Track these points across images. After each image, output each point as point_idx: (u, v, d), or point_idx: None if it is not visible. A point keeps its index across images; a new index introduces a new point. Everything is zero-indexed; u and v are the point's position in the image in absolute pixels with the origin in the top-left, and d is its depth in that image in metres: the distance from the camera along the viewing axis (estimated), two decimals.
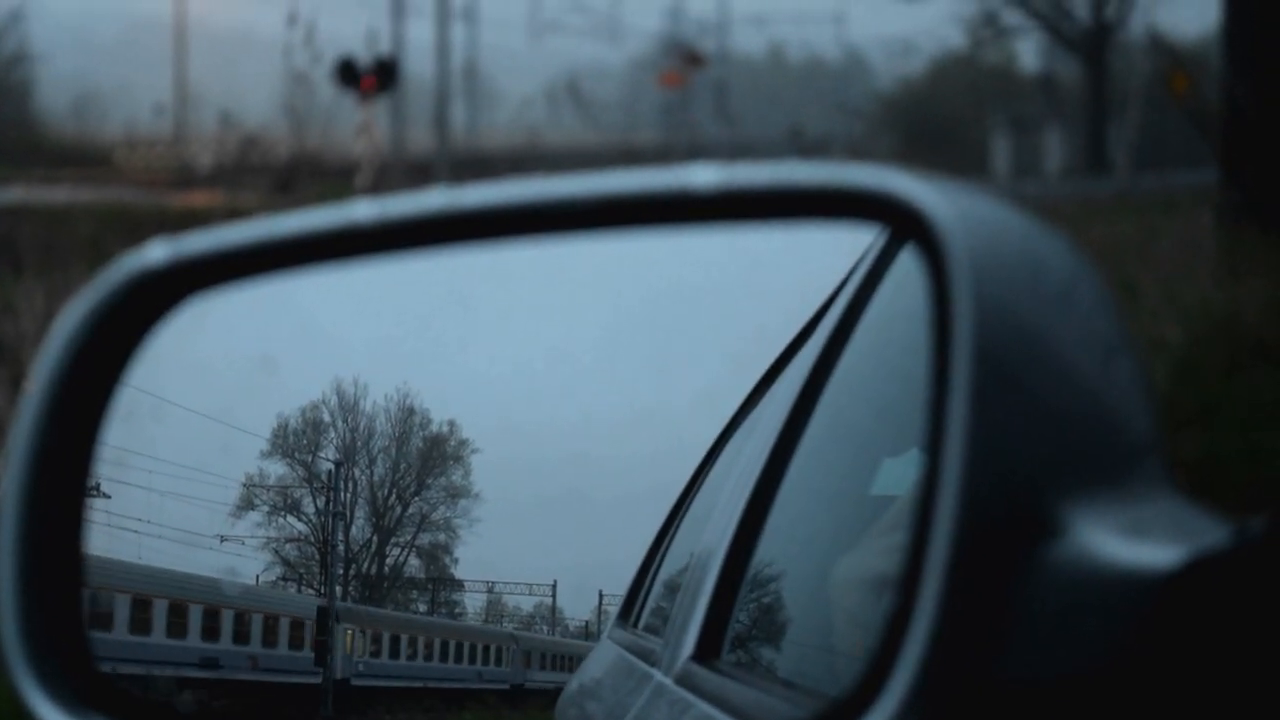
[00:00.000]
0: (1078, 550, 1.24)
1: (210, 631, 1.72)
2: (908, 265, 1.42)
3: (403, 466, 1.66)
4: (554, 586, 1.61)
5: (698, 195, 1.52)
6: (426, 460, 1.65)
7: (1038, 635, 1.22)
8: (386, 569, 1.67)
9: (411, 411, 1.66)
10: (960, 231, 1.36)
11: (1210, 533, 1.23)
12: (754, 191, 1.50)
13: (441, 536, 1.63)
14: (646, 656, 1.65)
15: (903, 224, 1.43)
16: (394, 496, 1.66)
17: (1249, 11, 23.73)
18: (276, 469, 1.68)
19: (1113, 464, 1.27)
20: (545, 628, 1.61)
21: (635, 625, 1.65)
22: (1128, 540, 1.23)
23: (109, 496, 1.72)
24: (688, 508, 1.63)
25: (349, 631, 1.68)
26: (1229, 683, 1.20)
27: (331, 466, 1.67)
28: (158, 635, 1.75)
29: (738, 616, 1.58)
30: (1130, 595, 1.21)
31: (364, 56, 38.74)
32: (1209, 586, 1.20)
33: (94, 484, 1.69)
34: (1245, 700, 1.20)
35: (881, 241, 1.48)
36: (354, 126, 38.74)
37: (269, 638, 1.72)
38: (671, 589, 1.66)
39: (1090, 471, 1.27)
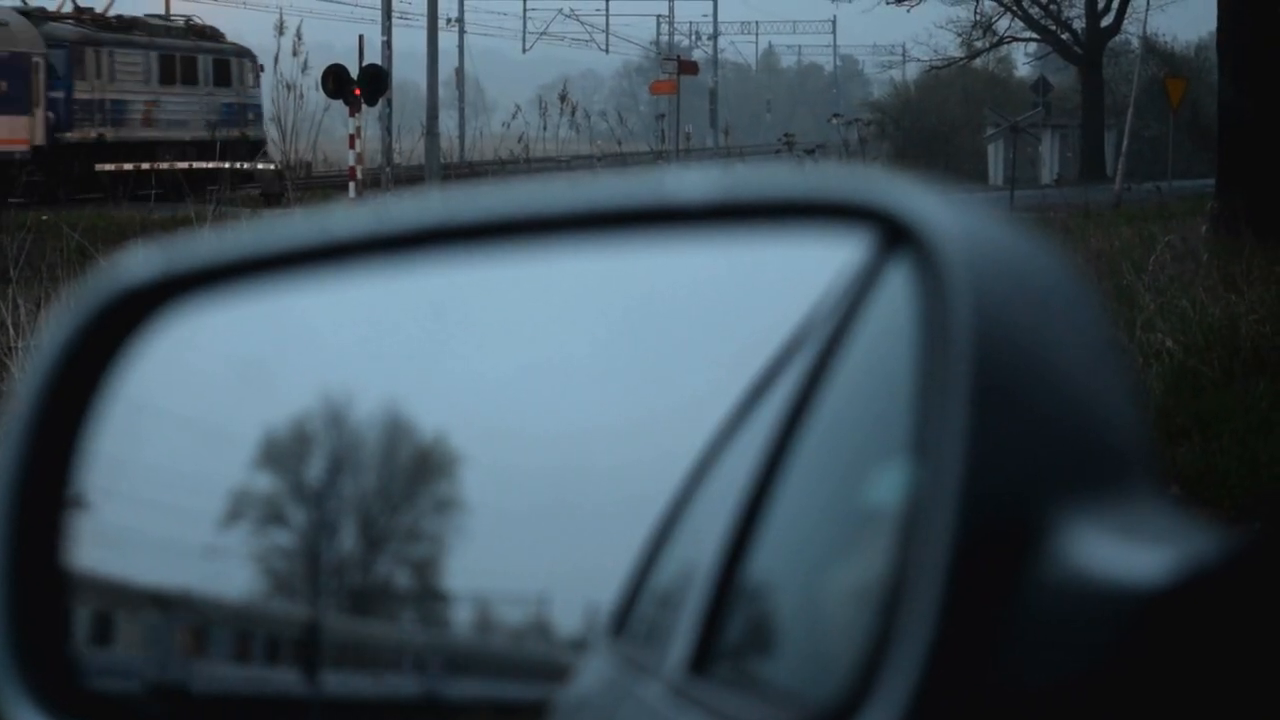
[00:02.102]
0: (1070, 560, 1.24)
1: (197, 645, 1.72)
2: (899, 273, 1.42)
3: (391, 477, 1.65)
4: (544, 597, 1.60)
5: (679, 206, 1.52)
6: (415, 471, 1.64)
7: (1030, 645, 1.23)
8: (375, 581, 1.66)
9: (400, 422, 1.65)
10: (954, 241, 1.36)
11: (1204, 542, 1.23)
12: (737, 201, 1.51)
13: (430, 548, 1.62)
14: (638, 667, 1.65)
15: (894, 232, 1.43)
16: (382, 508, 1.66)
17: (1243, 20, 23.81)
18: (264, 480, 1.68)
19: (1105, 474, 1.28)
20: (536, 639, 1.60)
21: (627, 636, 1.65)
22: (1120, 550, 1.23)
23: (96, 508, 1.71)
24: (679, 517, 1.63)
25: (334, 644, 1.67)
26: (1222, 692, 1.20)
27: (319, 478, 1.67)
28: (143, 648, 1.74)
29: (730, 626, 1.57)
30: (1124, 604, 1.21)
31: (353, 65, 38.94)
32: (1203, 596, 1.20)
33: (81, 496, 1.69)
34: (1238, 708, 1.20)
35: (872, 249, 1.47)
36: (344, 136, 38.91)
37: (256, 650, 1.71)
38: (663, 599, 1.66)
39: (1083, 482, 1.27)
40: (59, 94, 44.70)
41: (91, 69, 46.39)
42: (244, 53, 53.48)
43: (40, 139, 43.08)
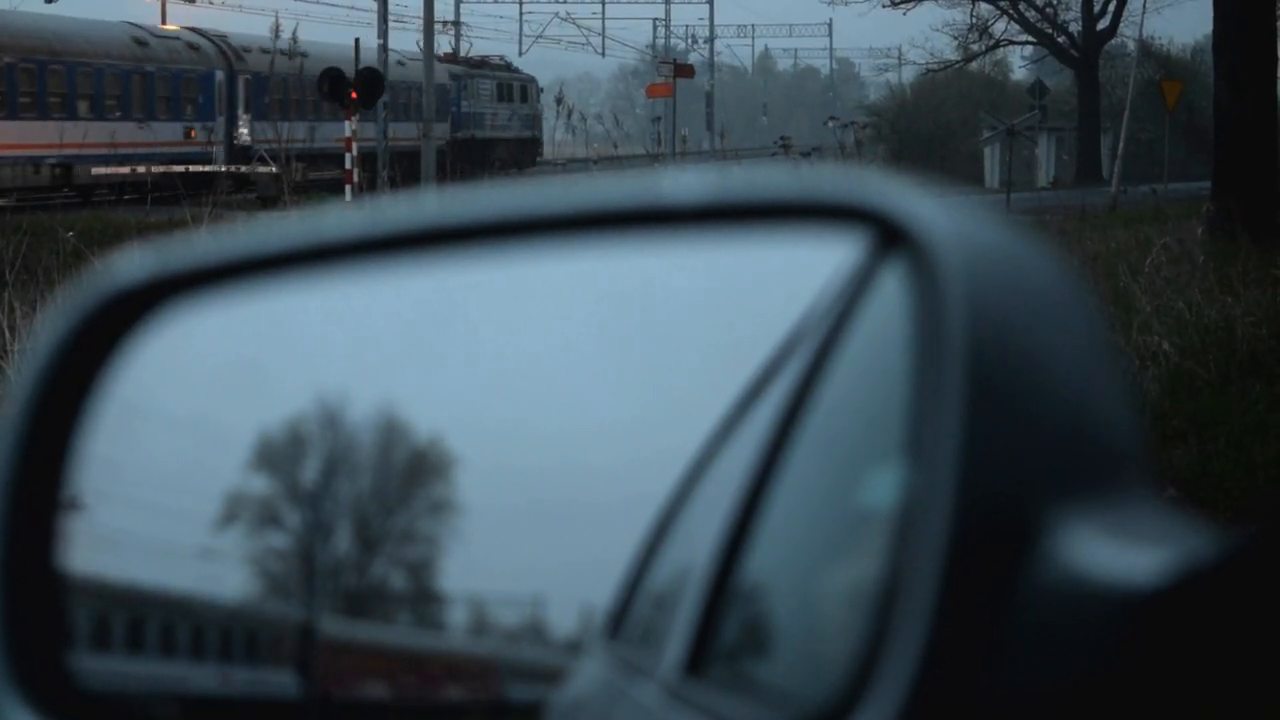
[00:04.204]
0: (1066, 561, 1.24)
1: (191, 647, 1.71)
2: (893, 274, 1.42)
3: (386, 479, 1.65)
4: (540, 599, 1.60)
5: (674, 207, 1.52)
6: (410, 473, 1.64)
7: (1025, 646, 1.23)
8: (370, 583, 1.66)
9: (395, 424, 1.65)
10: (949, 243, 1.36)
11: (1200, 543, 1.23)
12: (732, 203, 1.51)
13: (425, 549, 1.62)
14: (634, 668, 1.65)
15: (889, 234, 1.43)
16: (377, 510, 1.65)
17: (1239, 22, 23.81)
18: (259, 482, 1.68)
19: (1100, 476, 1.28)
20: (531, 641, 1.60)
21: (622, 637, 1.65)
22: (1116, 551, 1.23)
23: (90, 510, 1.71)
24: (674, 519, 1.62)
25: (329, 646, 1.67)
26: (1218, 692, 1.20)
27: (314, 479, 1.66)
28: (137, 650, 1.74)
29: (725, 627, 1.57)
30: (1119, 606, 1.21)
31: (350, 68, 39.32)
32: (1199, 597, 1.20)
33: (76, 497, 1.69)
34: (1234, 708, 1.20)
35: (867, 250, 1.47)
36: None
37: (251, 652, 1.71)
38: (658, 600, 1.66)
39: (1078, 483, 1.27)
40: (453, 109, 70.26)
41: (469, 93, 72.92)
42: (531, 79, 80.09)
43: (447, 137, 64.87)
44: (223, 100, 54.63)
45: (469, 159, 66.92)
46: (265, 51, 51.25)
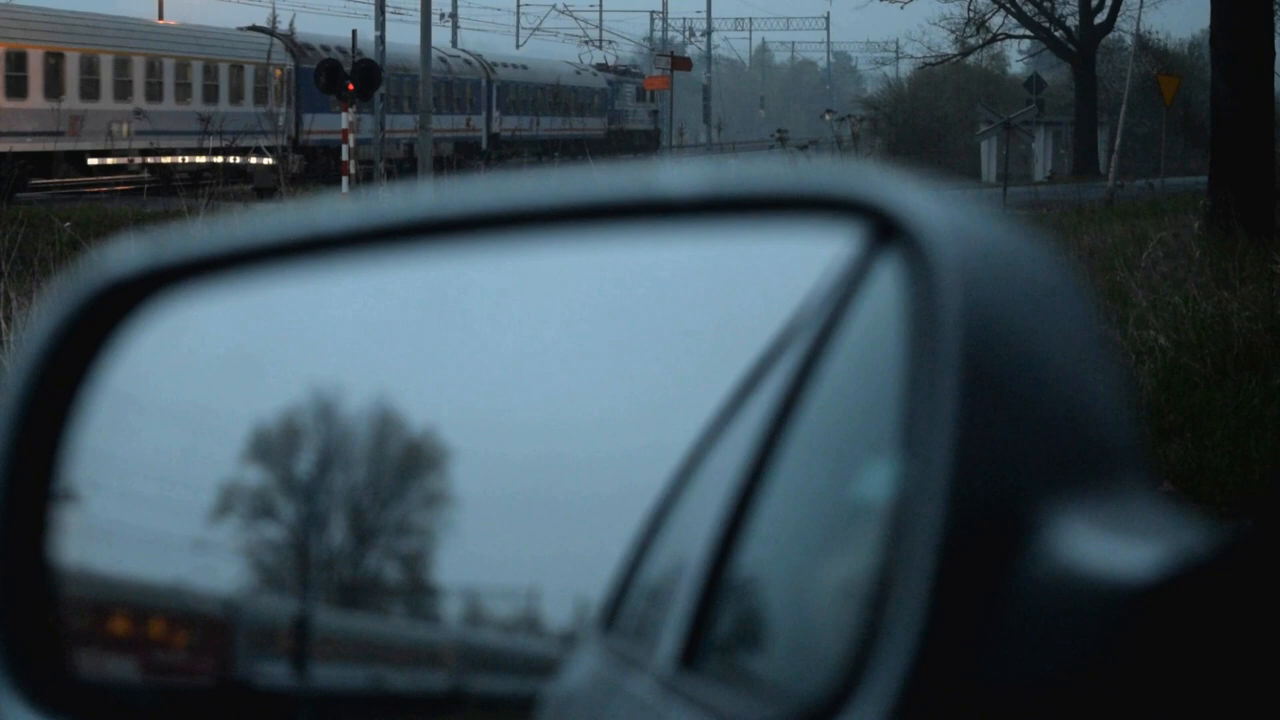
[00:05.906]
0: (1060, 555, 1.24)
1: (185, 639, 1.71)
2: (889, 268, 1.42)
3: (381, 471, 1.65)
4: (534, 591, 1.60)
5: (670, 200, 1.52)
6: (405, 465, 1.64)
7: (1019, 640, 1.23)
8: (364, 575, 1.66)
9: (390, 416, 1.65)
10: (944, 236, 1.36)
11: (1194, 537, 1.23)
12: (727, 196, 1.50)
13: (420, 542, 1.62)
14: (628, 661, 1.65)
15: (884, 227, 1.43)
16: (372, 502, 1.65)
17: (1236, 16, 23.80)
18: (253, 474, 1.67)
19: (1094, 470, 1.28)
20: (526, 633, 1.60)
21: (616, 630, 1.65)
22: (1110, 545, 1.23)
23: (84, 502, 1.71)
24: (669, 512, 1.62)
25: (323, 638, 1.67)
26: (1212, 686, 1.20)
27: (309, 471, 1.66)
28: (131, 643, 1.73)
29: (719, 621, 1.57)
30: (1113, 600, 1.21)
31: (347, 60, 39.43)
32: (1193, 591, 1.20)
33: (69, 489, 1.69)
34: (1229, 702, 1.20)
35: (862, 244, 1.47)
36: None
37: (244, 644, 1.71)
38: (653, 593, 1.66)
39: (1072, 477, 1.27)
40: (609, 107, 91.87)
41: (620, 95, 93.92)
42: None
43: (603, 129, 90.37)
44: (484, 100, 77.88)
45: (617, 146, 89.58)
46: (507, 65, 73.91)
